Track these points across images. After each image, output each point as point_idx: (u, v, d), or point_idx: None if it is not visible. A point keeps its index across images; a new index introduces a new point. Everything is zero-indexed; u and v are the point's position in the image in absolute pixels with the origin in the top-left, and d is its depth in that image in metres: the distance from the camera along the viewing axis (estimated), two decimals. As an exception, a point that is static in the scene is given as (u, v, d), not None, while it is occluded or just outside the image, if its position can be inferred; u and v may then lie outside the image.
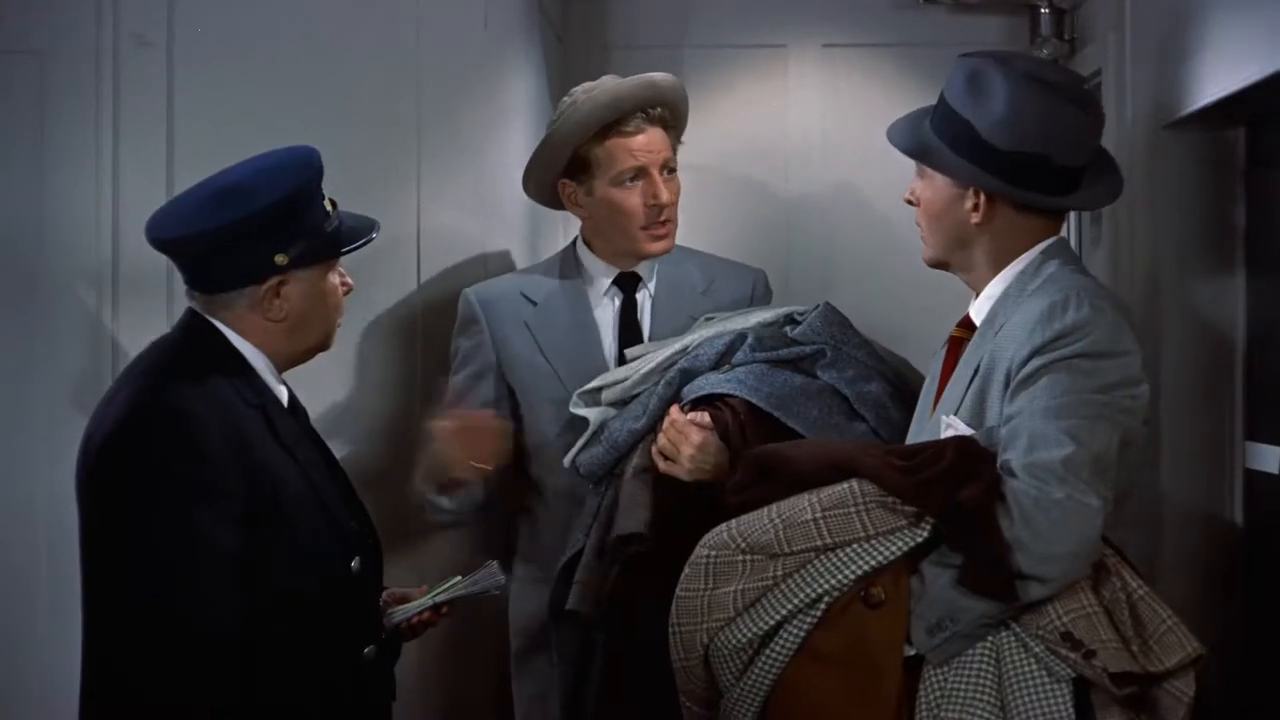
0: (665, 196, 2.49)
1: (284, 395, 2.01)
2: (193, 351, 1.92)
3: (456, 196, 2.70)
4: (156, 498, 1.78)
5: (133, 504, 1.78)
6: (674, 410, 2.27)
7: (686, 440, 2.21)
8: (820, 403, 2.29)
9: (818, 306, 2.42)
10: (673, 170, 2.53)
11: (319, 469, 1.99)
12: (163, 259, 2.57)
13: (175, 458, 1.79)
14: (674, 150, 2.55)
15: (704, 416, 2.24)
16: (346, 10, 2.69)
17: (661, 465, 2.25)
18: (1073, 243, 3.20)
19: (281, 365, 2.00)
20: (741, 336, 2.35)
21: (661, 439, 2.25)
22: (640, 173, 2.49)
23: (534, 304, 2.56)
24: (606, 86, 2.50)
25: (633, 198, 2.49)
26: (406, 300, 2.69)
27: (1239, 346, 2.56)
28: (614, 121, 2.48)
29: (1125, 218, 2.64)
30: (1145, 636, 1.81)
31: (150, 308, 2.63)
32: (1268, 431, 2.48)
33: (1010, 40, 3.23)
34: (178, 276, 2.56)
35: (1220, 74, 2.28)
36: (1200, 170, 2.55)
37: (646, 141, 2.49)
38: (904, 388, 2.35)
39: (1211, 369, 2.57)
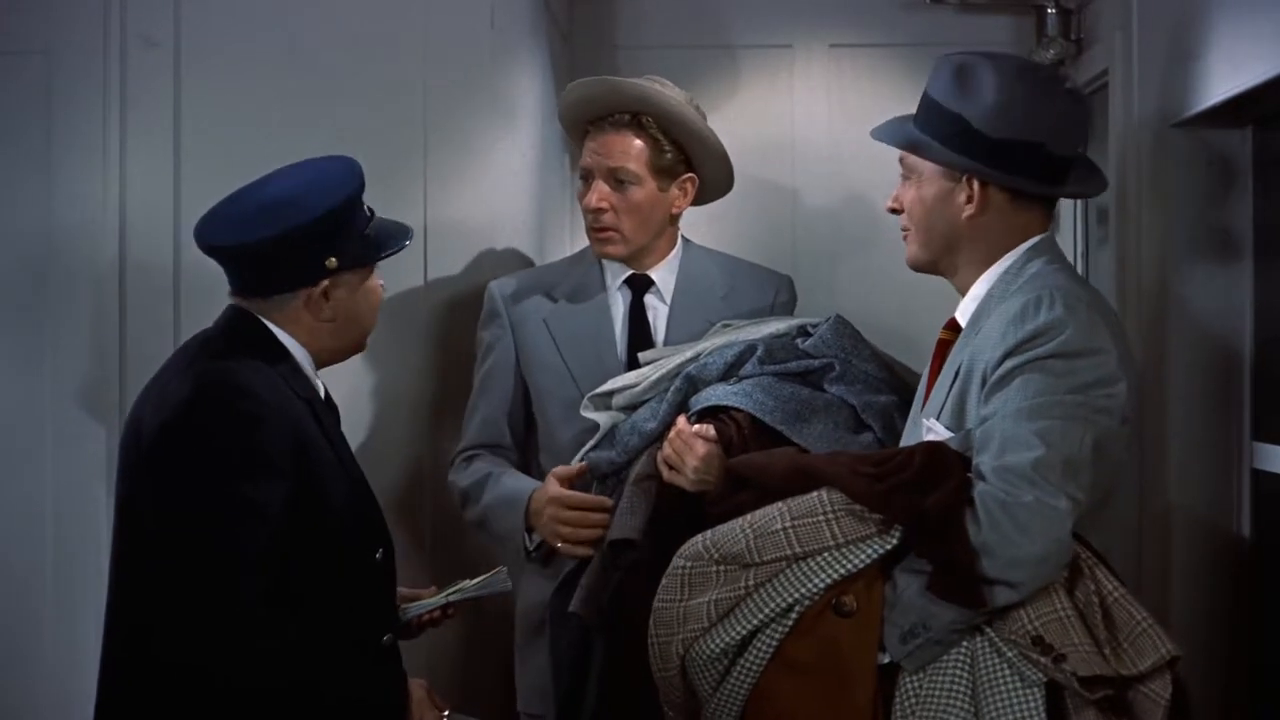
0: (592, 202, 2.48)
1: (322, 391, 2.11)
2: (245, 343, 2.01)
3: (462, 194, 2.70)
4: (223, 470, 1.88)
5: (200, 475, 1.88)
6: (681, 420, 2.27)
7: (691, 451, 2.21)
8: (826, 416, 2.29)
9: (829, 319, 2.42)
10: (627, 180, 2.46)
11: (352, 463, 2.09)
12: (170, 260, 2.63)
13: (240, 433, 1.90)
14: (653, 160, 2.47)
15: (709, 429, 2.23)
16: (353, 10, 2.69)
17: (666, 474, 2.25)
18: (1079, 243, 3.20)
19: (321, 363, 2.10)
20: (751, 348, 2.34)
21: (667, 448, 2.25)
22: (585, 174, 2.52)
23: (553, 301, 2.56)
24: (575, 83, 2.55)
25: (583, 197, 2.52)
26: (413, 295, 2.69)
27: (1246, 347, 2.55)
28: (597, 118, 2.50)
29: (1132, 218, 2.63)
30: (1119, 639, 1.79)
31: (157, 307, 2.64)
32: (1275, 432, 2.47)
33: (1017, 40, 3.22)
34: (185, 277, 2.63)
35: (1227, 74, 2.28)
36: (1207, 170, 2.55)
37: (598, 144, 2.49)
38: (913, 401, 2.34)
39: (1218, 369, 2.56)
